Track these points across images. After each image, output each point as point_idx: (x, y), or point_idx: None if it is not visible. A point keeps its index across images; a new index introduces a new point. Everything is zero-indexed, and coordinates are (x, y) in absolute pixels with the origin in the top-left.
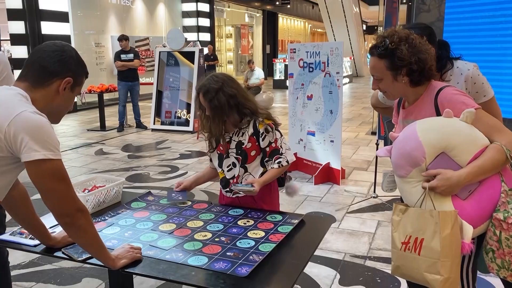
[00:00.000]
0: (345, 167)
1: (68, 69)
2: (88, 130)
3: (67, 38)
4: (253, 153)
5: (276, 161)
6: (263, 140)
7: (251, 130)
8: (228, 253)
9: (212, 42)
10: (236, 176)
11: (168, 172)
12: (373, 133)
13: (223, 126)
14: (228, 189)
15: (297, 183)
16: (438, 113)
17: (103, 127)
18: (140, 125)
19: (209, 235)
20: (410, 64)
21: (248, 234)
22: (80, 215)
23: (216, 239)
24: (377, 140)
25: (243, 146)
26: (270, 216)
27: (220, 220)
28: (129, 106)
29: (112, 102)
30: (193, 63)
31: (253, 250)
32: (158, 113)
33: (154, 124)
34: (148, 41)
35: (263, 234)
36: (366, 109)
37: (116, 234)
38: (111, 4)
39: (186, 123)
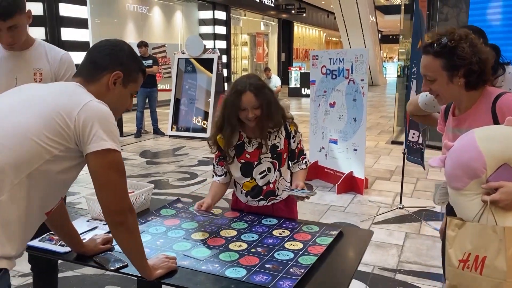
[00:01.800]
0: (367, 176)
1: (118, 63)
2: None
3: (86, 44)
4: (285, 155)
5: (304, 161)
6: (294, 141)
7: (284, 132)
8: (267, 265)
9: (228, 50)
10: (272, 181)
11: (187, 179)
12: (394, 142)
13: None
14: (261, 197)
15: None
16: (496, 121)
17: (120, 133)
18: (157, 131)
19: (245, 245)
20: (471, 64)
21: (285, 245)
22: (131, 215)
23: (252, 250)
24: (404, 149)
25: (278, 149)
26: (306, 226)
27: (254, 229)
28: (147, 113)
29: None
30: (210, 71)
31: (293, 262)
32: (175, 120)
33: (171, 130)
34: (165, 48)
35: (301, 245)
36: (384, 118)
37: (148, 243)
38: (129, 11)
39: (203, 130)
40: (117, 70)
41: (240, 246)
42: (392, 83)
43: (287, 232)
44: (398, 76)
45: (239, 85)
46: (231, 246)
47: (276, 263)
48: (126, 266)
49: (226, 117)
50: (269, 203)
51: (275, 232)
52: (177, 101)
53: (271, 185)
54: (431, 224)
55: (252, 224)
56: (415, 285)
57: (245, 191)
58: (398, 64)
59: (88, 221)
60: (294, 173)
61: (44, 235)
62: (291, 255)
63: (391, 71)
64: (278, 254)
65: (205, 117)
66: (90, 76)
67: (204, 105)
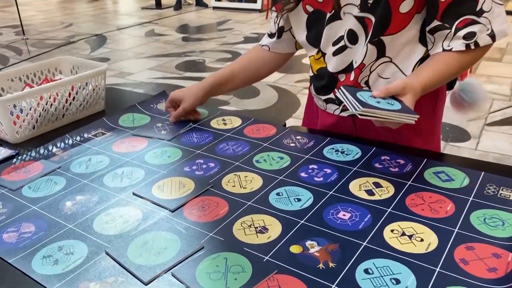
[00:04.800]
0: None
1: None
2: (142, 8)
3: None
4: (404, 7)
5: (465, 31)
6: None
7: None
8: None
9: None
10: (356, 66)
11: (228, 60)
12: None
13: None
14: (332, 95)
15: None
16: None
17: (158, 4)
18: (200, 3)
19: (277, 227)
20: None
21: (387, 235)
22: None
23: (293, 249)
24: None
25: None
26: (434, 170)
27: (303, 173)
28: None
29: None
30: None
31: None
32: None
33: (216, 1)
34: None
35: (433, 239)
36: None
37: (49, 203)
38: None
39: (253, 0)
40: None
41: (265, 227)
42: None
43: (388, 188)
44: None
45: None
46: (238, 226)
47: None
48: None
49: None
50: (346, 114)
51: (355, 185)
52: None
53: (353, 74)
54: None
55: (302, 158)
56: None
57: (313, 78)
58: None
59: None
60: (435, 57)
61: None
62: (409, 273)
63: None
64: (378, 267)
65: None
66: None
67: None
